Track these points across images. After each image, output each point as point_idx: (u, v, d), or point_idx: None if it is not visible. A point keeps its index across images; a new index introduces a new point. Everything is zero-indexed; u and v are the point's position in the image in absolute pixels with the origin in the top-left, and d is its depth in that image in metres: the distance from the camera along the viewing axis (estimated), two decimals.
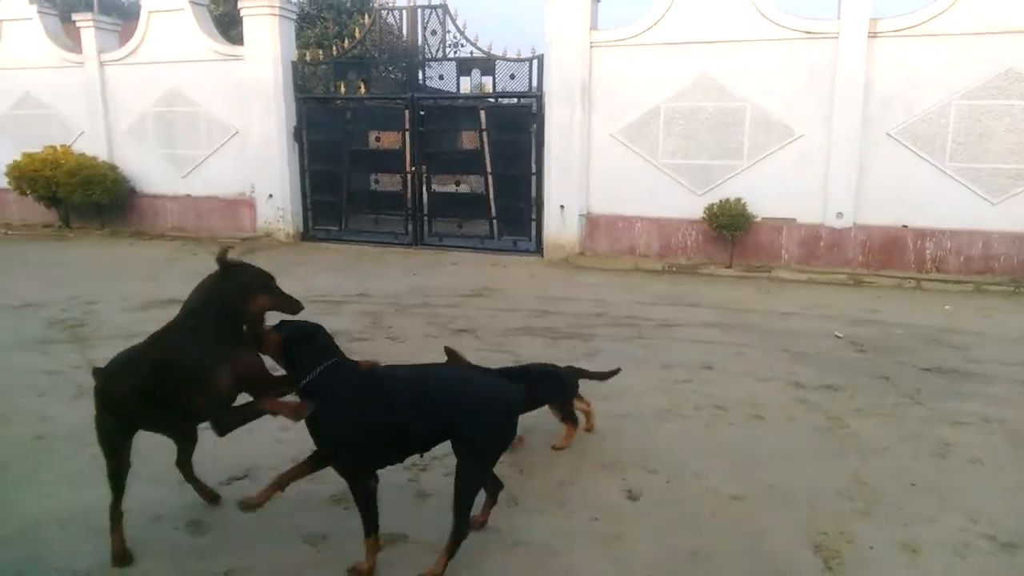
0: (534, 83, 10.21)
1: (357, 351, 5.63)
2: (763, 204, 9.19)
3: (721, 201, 9.17)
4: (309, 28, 16.32)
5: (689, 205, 9.59)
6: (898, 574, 2.79)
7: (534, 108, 10.26)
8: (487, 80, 10.55)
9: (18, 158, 12.48)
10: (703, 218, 9.37)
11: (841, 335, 6.40)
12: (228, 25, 15.38)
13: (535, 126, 10.29)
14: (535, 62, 10.11)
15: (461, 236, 11.31)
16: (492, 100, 10.89)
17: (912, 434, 4.15)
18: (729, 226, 9.12)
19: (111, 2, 23.53)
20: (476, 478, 2.69)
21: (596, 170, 10.08)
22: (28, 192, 12.51)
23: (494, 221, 11.08)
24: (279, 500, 2.81)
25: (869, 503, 3.31)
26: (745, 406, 4.56)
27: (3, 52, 13.22)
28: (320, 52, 12.45)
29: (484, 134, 10.77)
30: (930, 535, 3.04)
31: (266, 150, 11.51)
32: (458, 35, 10.65)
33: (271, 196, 11.70)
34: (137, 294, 7.78)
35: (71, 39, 13.08)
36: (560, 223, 10.20)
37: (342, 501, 3.14)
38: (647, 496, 3.35)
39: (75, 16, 12.61)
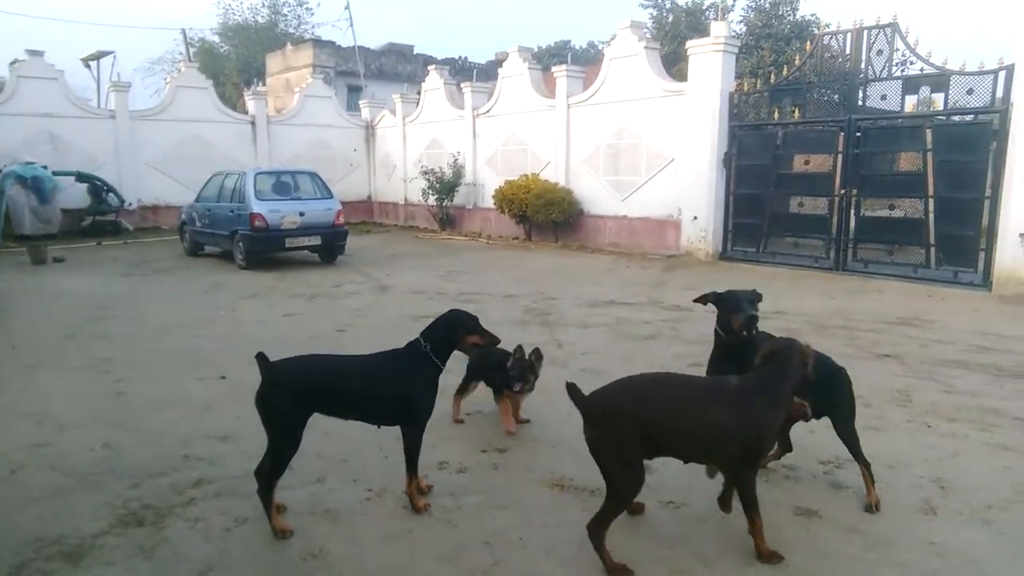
0: (998, 97, 9.16)
1: None
2: None
3: None
4: (745, 58, 17.00)
5: None
6: None
7: (995, 124, 9.19)
8: (937, 97, 9.81)
9: (503, 185, 15.87)
10: None
11: None
12: (668, 63, 16.98)
13: (995, 144, 9.21)
14: (1002, 74, 9.06)
15: (890, 264, 10.66)
16: (943, 118, 10.05)
17: None
18: None
19: (580, 53, 27.74)
20: None
21: None
22: (506, 211, 15.78)
23: (931, 249, 10.18)
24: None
25: None
26: None
27: (500, 103, 16.92)
28: (755, 81, 13.01)
29: (928, 155, 10.01)
30: None
31: (696, 175, 12.52)
32: (907, 52, 10.13)
33: (695, 218, 12.67)
34: (586, 294, 9.40)
35: (548, 87, 16.05)
36: (1017, 254, 8.94)
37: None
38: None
39: (553, 68, 15.47)
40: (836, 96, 11.82)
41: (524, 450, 4.16)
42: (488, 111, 17.34)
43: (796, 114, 11.52)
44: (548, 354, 6.34)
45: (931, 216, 10.12)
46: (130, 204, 17.81)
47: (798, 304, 8.68)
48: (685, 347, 6.59)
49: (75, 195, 16.68)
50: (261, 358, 3.13)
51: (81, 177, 16.77)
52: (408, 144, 20.53)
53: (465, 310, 3.54)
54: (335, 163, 21.05)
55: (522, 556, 2.98)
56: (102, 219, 17.16)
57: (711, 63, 12.09)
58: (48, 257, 12.74)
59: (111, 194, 17.27)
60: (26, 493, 3.57)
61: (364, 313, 8.32)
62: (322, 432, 4.01)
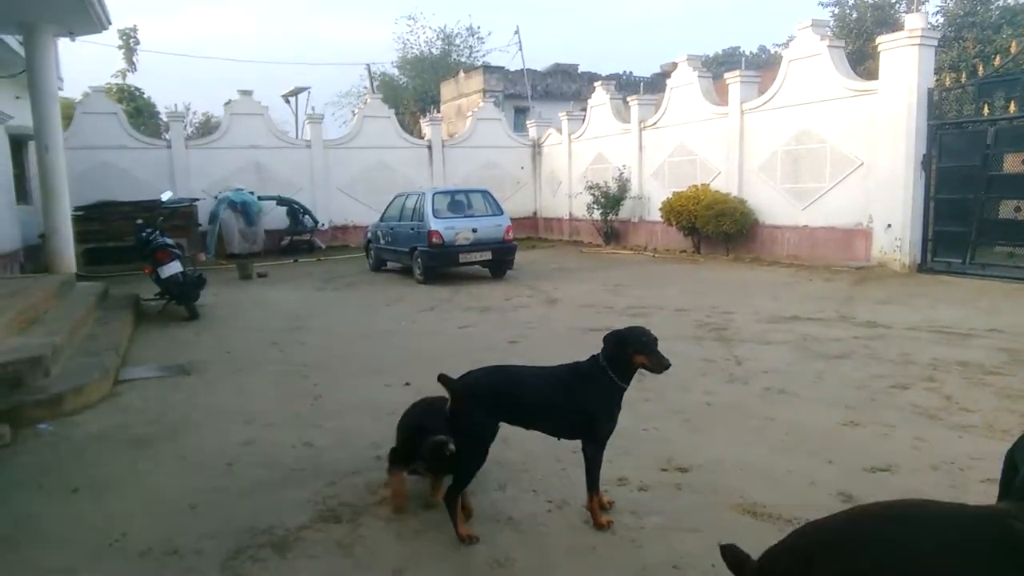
0: None
1: (992, 384, 5.36)
2: None
3: None
4: (944, 51, 15.38)
5: None
6: None
7: None
8: None
9: (670, 196, 15.49)
10: None
11: None
12: (854, 62, 15.74)
13: None
14: None
15: None
16: None
17: None
18: None
19: (751, 59, 26.63)
20: None
21: None
22: (673, 223, 15.36)
23: None
24: None
25: None
26: None
27: (668, 114, 16.59)
28: (957, 76, 11.68)
29: None
30: None
31: (889, 180, 11.45)
32: None
33: (889, 226, 11.56)
34: (764, 309, 8.86)
35: (718, 94, 15.48)
36: None
37: None
38: None
39: (726, 75, 14.90)
40: None
41: (708, 471, 3.94)
42: (655, 123, 17.05)
43: (1012, 108, 10.18)
44: (727, 371, 6.07)
45: None
46: (323, 225, 19.47)
47: (1018, 321, 7.60)
48: (884, 367, 5.98)
49: (276, 217, 18.53)
50: (443, 379, 3.24)
51: (281, 201, 18.61)
52: (573, 160, 20.70)
53: (645, 328, 3.34)
54: (503, 181, 21.68)
55: None
56: (299, 239, 18.88)
57: (906, 58, 11.01)
58: (253, 273, 14.21)
59: (307, 216, 18.98)
60: (240, 485, 3.93)
61: (535, 326, 8.41)
62: (501, 439, 4.06)
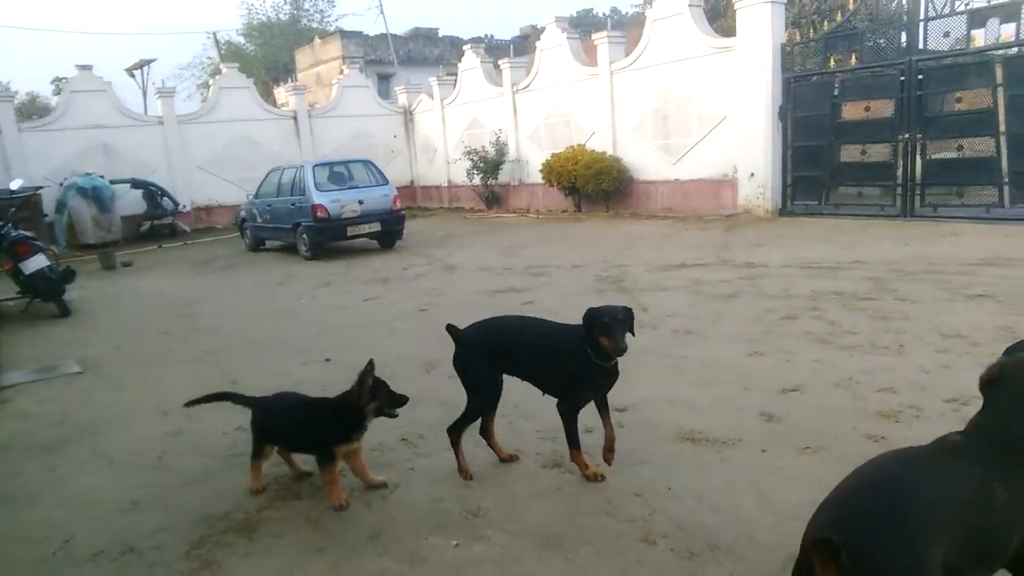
0: None
1: (866, 309, 6.03)
2: None
3: None
4: (787, 8, 16.54)
5: None
6: None
7: None
8: (1007, 29, 9.45)
9: (548, 158, 15.82)
10: None
11: None
12: (710, 19, 16.61)
13: None
14: None
15: (961, 206, 10.40)
16: (1016, 50, 9.68)
17: None
18: None
19: (603, 20, 27.33)
20: None
21: None
22: (554, 184, 15.73)
23: (1005, 187, 9.89)
24: None
25: None
26: None
27: (540, 76, 16.82)
28: (798, 31, 12.66)
29: (999, 90, 9.68)
30: None
31: (751, 132, 12.31)
32: None
33: (752, 175, 12.47)
34: (652, 259, 9.37)
35: (587, 55, 15.87)
36: None
37: None
38: None
39: (594, 36, 15.28)
40: (893, 40, 11.43)
41: (643, 409, 4.19)
42: (528, 86, 17.25)
43: (853, 61, 11.22)
44: (636, 317, 6.39)
45: (1003, 154, 9.81)
46: (184, 207, 18.24)
47: (874, 253, 8.53)
48: (771, 302, 6.54)
49: (131, 202, 17.14)
50: (450, 328, 3.48)
51: (136, 184, 17.21)
52: (448, 126, 20.58)
53: (621, 307, 3.19)
54: (376, 151, 21.08)
55: (675, 504, 3.04)
56: (159, 223, 17.60)
57: (760, 16, 11.80)
58: (117, 262, 13.16)
59: (165, 198, 17.70)
60: (180, 476, 3.74)
61: (441, 292, 8.43)
62: (442, 402, 4.13)
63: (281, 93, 28.70)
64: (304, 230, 12.12)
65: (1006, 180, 9.83)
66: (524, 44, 29.41)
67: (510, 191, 18.47)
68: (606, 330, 3.09)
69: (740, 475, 3.28)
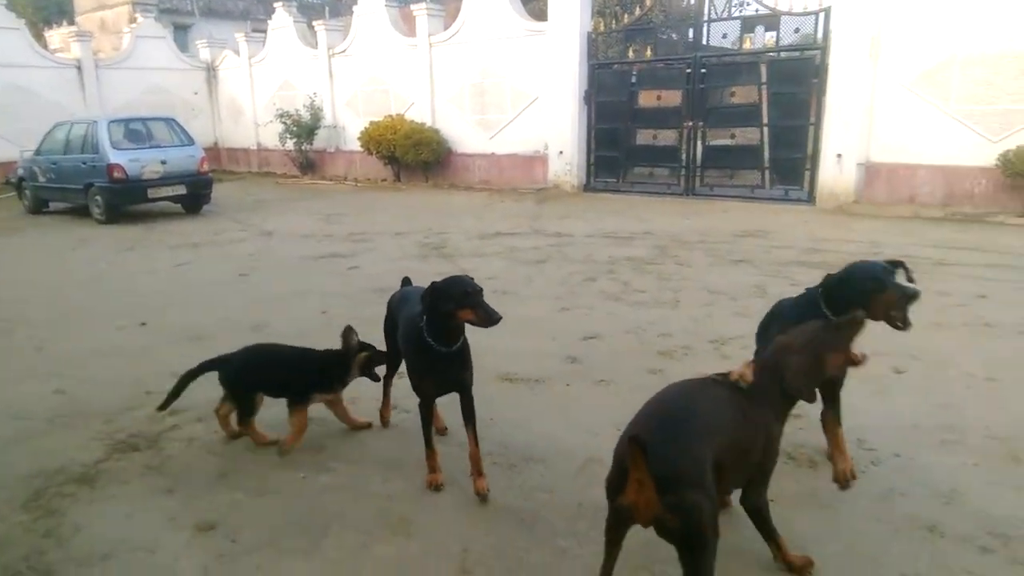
0: (819, 35, 10.53)
1: (652, 271, 6.99)
2: None
3: (1018, 148, 8.86)
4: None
5: (980, 152, 9.35)
6: None
7: (817, 60, 10.60)
8: (770, 36, 11.07)
9: (367, 126, 15.76)
10: (996, 165, 9.11)
11: None
12: (524, 1, 17.40)
13: (817, 78, 10.63)
14: (821, 14, 10.42)
15: (732, 186, 12.07)
16: (775, 54, 11.38)
17: None
18: None
19: None
20: None
21: (880, 118, 10.17)
22: (373, 152, 15.73)
23: (766, 171, 11.66)
24: None
25: None
26: (1014, 326, 5.03)
27: (358, 42, 16.60)
28: (602, 22, 13.75)
29: (763, 88, 11.34)
30: None
31: (559, 113, 13.24)
32: None
33: (561, 153, 13.45)
34: (471, 228, 9.90)
35: (406, 25, 15.95)
36: (836, 172, 10.50)
37: None
38: (912, 372, 4.20)
39: (412, 5, 15.38)
40: (683, 36, 12.86)
41: None
42: (345, 51, 16.96)
43: (649, 53, 12.48)
44: None
45: (765, 142, 11.55)
46: None
47: (661, 225, 9.73)
48: (575, 266, 7.34)
49: None
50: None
51: None
52: (257, 86, 19.63)
53: (464, 277, 2.89)
54: (174, 108, 19.48)
55: (497, 430, 3.54)
56: None
57: (570, 3, 12.68)
58: None
59: None
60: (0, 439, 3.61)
61: (260, 258, 8.33)
62: None
63: (55, 38, 25.48)
64: (98, 191, 11.16)
65: (767, 165, 11.58)
66: (338, 5, 28.57)
67: (326, 157, 18.12)
68: (466, 301, 2.76)
69: (548, 405, 3.88)
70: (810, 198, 10.98)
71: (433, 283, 2.87)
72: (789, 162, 11.31)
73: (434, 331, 2.85)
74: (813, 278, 2.63)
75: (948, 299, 5.75)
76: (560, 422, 3.64)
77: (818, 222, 9.74)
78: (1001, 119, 9.21)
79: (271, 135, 18.38)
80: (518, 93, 13.99)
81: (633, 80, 12.91)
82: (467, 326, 2.88)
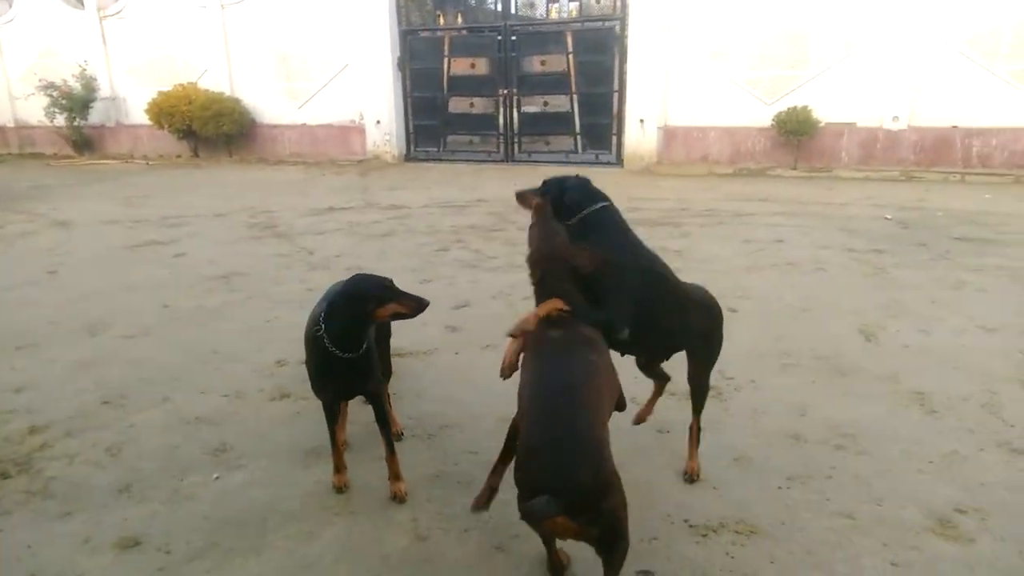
0: (618, 6, 11.32)
1: (498, 238, 7.28)
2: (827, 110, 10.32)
3: (788, 109, 10.31)
4: None
5: (759, 114, 10.74)
6: (914, 341, 4.28)
7: (618, 30, 11.40)
8: (575, 5, 11.69)
9: (156, 97, 14.32)
10: (772, 125, 10.54)
11: (890, 217, 7.71)
12: None
13: (618, 47, 11.46)
14: None
15: (548, 152, 12.72)
16: (579, 24, 12.04)
17: (937, 276, 5.56)
18: (795, 131, 10.28)
19: None
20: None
21: (674, 85, 11.24)
22: (164, 126, 14.37)
23: (578, 137, 12.42)
24: None
25: (898, 312, 4.78)
26: (810, 263, 6.01)
27: (134, 4, 14.90)
28: None
29: (571, 56, 11.99)
30: (938, 325, 4.51)
31: (374, 81, 12.99)
32: None
33: (379, 122, 13.25)
34: (299, 205, 9.53)
35: None
36: (640, 136, 11.48)
37: None
38: (744, 310, 4.88)
39: None
40: (494, 4, 13.13)
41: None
42: (119, 12, 15.18)
43: (459, 20, 12.60)
44: (306, 261, 6.67)
45: (576, 109, 12.27)
46: None
47: (490, 192, 10.05)
48: (423, 238, 7.42)
49: None
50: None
51: None
52: (8, 54, 16.93)
53: (370, 274, 2.69)
54: None
55: (403, 404, 3.62)
56: None
57: None
58: None
59: None
60: None
61: (64, 252, 7.37)
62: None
63: None
64: None
65: (579, 131, 12.33)
66: None
67: (106, 133, 16.22)
68: (389, 296, 2.56)
69: (445, 374, 4.01)
70: (618, 160, 11.91)
71: (344, 291, 2.60)
72: (598, 127, 12.14)
73: (338, 337, 2.58)
74: (640, 235, 2.87)
75: (754, 245, 6.68)
76: (462, 388, 3.80)
77: (629, 183, 10.61)
78: (773, 85, 10.62)
79: (34, 110, 16.03)
80: (326, 59, 13.48)
81: (446, 48, 13.00)
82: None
